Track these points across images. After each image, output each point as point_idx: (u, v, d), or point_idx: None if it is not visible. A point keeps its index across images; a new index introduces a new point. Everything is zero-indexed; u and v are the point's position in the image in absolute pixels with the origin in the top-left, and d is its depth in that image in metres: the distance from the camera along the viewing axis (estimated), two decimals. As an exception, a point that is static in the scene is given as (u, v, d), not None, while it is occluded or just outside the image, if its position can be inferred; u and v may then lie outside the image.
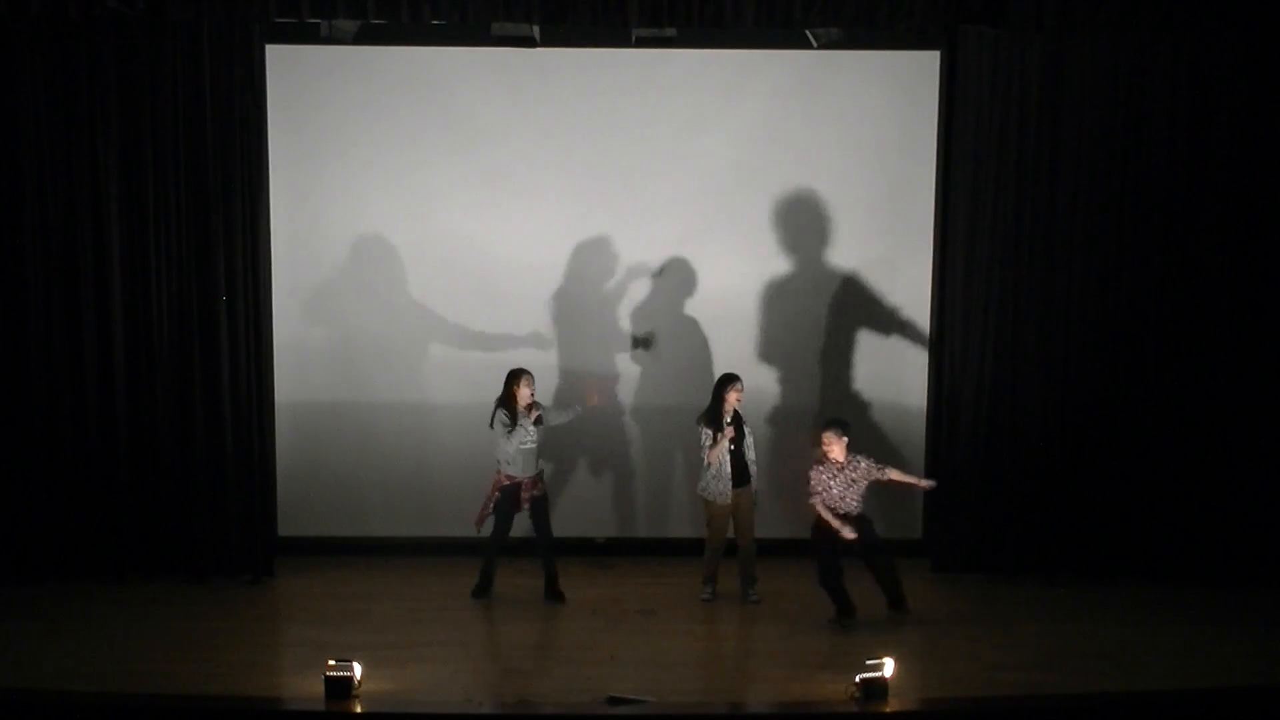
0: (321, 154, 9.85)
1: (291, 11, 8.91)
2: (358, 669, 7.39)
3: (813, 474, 8.94)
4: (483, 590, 9.26)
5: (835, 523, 8.78)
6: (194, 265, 9.37)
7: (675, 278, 10.04)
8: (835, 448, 8.83)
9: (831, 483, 8.87)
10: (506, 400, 9.09)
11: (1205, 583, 9.57)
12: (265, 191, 9.67)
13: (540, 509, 9.22)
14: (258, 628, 8.77)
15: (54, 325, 9.32)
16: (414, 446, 10.08)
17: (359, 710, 7.26)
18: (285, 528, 10.03)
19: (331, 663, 7.37)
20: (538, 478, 9.22)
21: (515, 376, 9.09)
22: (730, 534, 9.28)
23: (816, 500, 8.90)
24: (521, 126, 9.86)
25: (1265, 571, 9.60)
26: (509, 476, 9.12)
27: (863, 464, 8.91)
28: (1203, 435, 9.57)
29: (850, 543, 8.79)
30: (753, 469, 9.21)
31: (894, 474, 8.99)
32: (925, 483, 9.13)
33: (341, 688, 7.29)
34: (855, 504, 8.88)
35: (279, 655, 8.42)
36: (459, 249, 9.96)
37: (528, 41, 9.62)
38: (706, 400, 9.51)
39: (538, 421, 9.07)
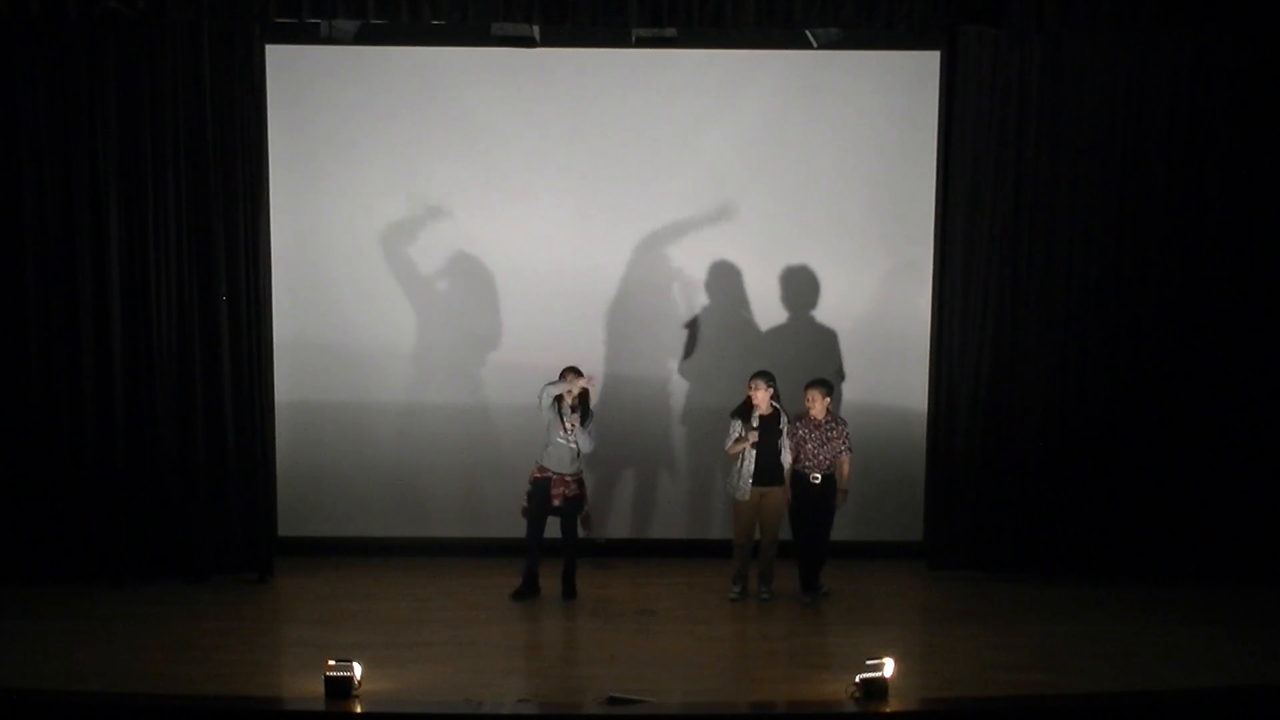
0: (321, 154, 9.85)
1: (291, 11, 8.90)
2: (358, 669, 7.37)
3: (789, 427, 9.15)
4: (524, 592, 9.15)
5: (785, 482, 9.14)
6: (194, 265, 9.36)
7: (675, 279, 10.04)
8: (817, 405, 9.09)
9: (807, 439, 9.09)
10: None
11: (1205, 583, 9.58)
12: (265, 191, 9.67)
13: (570, 510, 9.14)
14: (258, 628, 8.77)
15: (53, 325, 9.31)
16: (414, 446, 10.07)
17: (359, 710, 7.25)
18: (285, 528, 10.02)
19: (331, 663, 7.36)
20: (573, 478, 9.12)
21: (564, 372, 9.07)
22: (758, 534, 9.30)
23: (788, 458, 9.12)
24: (521, 126, 9.86)
25: (1265, 571, 9.60)
26: (541, 468, 9.09)
27: (843, 430, 9.22)
28: (1202, 434, 9.57)
29: (807, 507, 9.15)
30: (785, 471, 9.16)
31: (845, 465, 9.23)
32: (840, 497, 9.24)
33: (341, 688, 7.27)
34: (826, 461, 9.13)
35: (279, 655, 8.42)
36: (459, 249, 9.96)
37: (528, 41, 9.62)
38: (707, 400, 9.54)
39: (583, 420, 8.99)
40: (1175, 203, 9.46)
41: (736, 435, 9.09)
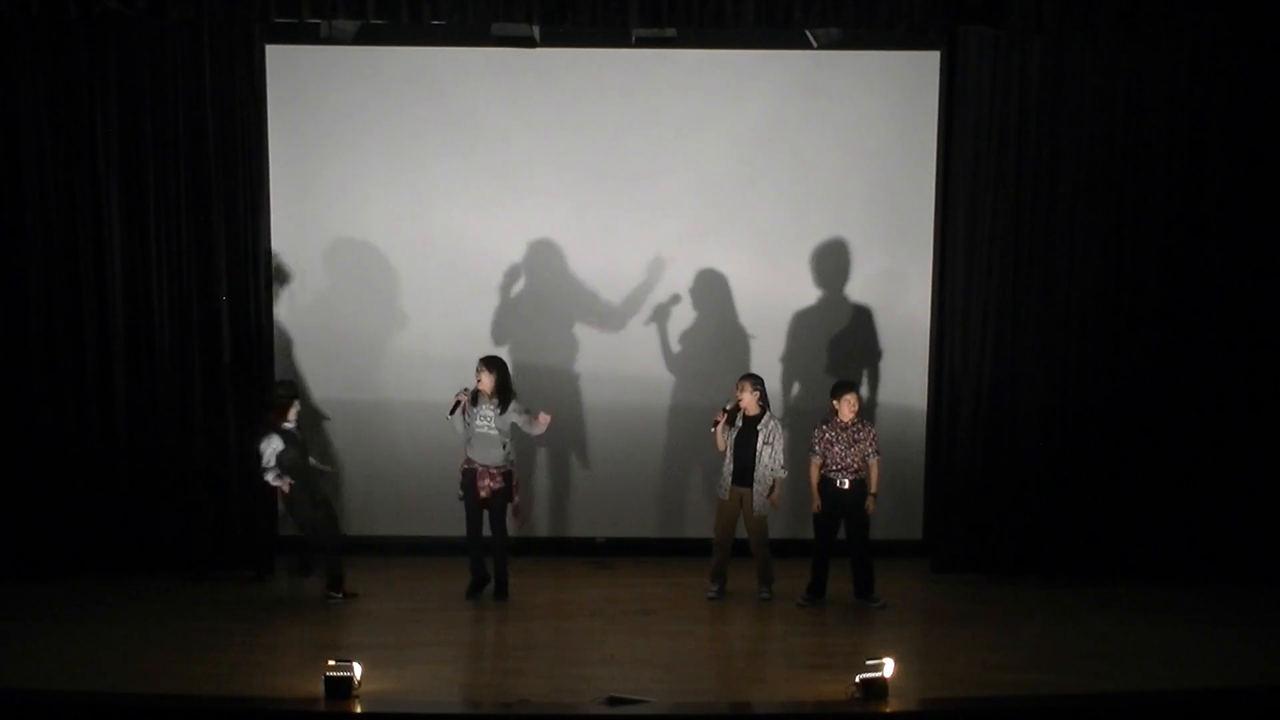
0: (321, 154, 9.85)
1: (291, 11, 8.91)
2: (358, 669, 7.39)
3: (817, 431, 9.13)
4: (475, 589, 9.21)
5: (813, 488, 9.12)
6: (194, 265, 9.37)
7: (675, 279, 10.04)
8: (845, 407, 9.02)
9: (835, 441, 9.04)
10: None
11: (1205, 582, 9.58)
12: (265, 191, 9.66)
13: (498, 505, 9.10)
14: (258, 628, 8.77)
15: (55, 325, 9.33)
16: (414, 446, 10.06)
17: (359, 710, 7.26)
18: (285, 527, 10.02)
19: (331, 663, 7.37)
20: (499, 471, 9.06)
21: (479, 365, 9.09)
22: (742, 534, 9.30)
23: (815, 460, 9.09)
24: (521, 126, 9.86)
25: (1265, 570, 9.60)
26: (468, 459, 9.08)
27: (871, 432, 9.14)
28: (1203, 434, 9.57)
29: (836, 513, 9.10)
30: (768, 473, 9.08)
31: (875, 469, 9.12)
32: (870, 502, 9.12)
33: (341, 688, 7.28)
34: (855, 465, 9.03)
35: (279, 655, 8.40)
36: (459, 249, 9.96)
37: (528, 41, 9.62)
38: (706, 400, 9.55)
39: (504, 409, 8.95)
40: (1175, 203, 9.46)
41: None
